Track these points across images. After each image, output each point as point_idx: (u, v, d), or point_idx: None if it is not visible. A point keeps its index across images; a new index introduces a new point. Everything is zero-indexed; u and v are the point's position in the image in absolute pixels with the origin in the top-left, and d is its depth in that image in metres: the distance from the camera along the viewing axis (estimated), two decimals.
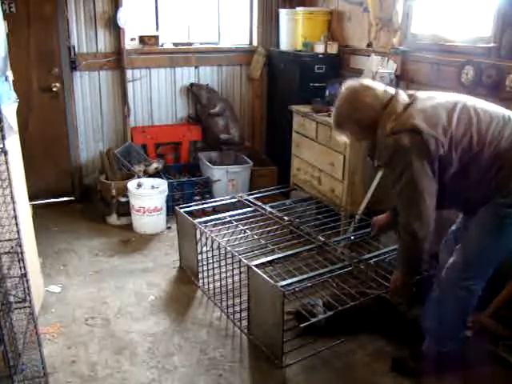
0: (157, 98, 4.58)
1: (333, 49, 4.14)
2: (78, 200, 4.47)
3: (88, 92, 4.34)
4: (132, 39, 4.38)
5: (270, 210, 3.31)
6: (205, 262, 3.09)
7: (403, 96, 2.09)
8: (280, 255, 2.78)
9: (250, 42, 4.89)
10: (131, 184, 3.89)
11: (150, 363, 2.45)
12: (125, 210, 3.98)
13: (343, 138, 2.25)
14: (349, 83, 2.15)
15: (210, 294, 3.02)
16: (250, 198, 3.53)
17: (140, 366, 2.43)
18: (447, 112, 2.00)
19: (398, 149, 1.97)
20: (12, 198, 1.83)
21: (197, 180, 4.33)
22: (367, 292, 2.62)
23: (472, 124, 2.00)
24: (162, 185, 3.96)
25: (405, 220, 2.06)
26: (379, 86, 2.13)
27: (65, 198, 4.46)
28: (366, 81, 2.20)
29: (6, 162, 1.79)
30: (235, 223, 3.18)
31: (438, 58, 3.13)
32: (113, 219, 4.05)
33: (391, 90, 2.12)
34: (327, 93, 3.85)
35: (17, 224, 1.88)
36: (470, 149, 1.98)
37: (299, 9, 4.35)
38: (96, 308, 2.90)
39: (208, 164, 4.36)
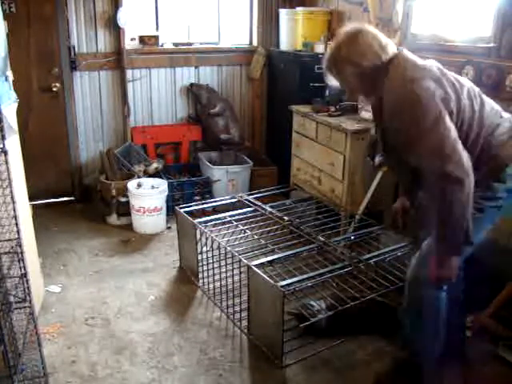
0: (157, 97, 4.59)
1: None
2: (78, 200, 4.47)
3: (88, 92, 4.34)
4: (132, 39, 4.38)
5: (269, 210, 3.31)
6: (205, 262, 3.09)
7: (410, 53, 1.97)
8: (280, 255, 2.78)
9: (250, 42, 4.89)
10: (131, 184, 3.89)
11: (150, 363, 2.45)
12: (125, 210, 3.98)
13: (333, 82, 2.02)
14: (351, 25, 1.96)
15: (210, 294, 3.02)
16: (250, 197, 3.53)
17: (140, 366, 2.43)
18: (458, 82, 1.92)
19: (421, 94, 1.76)
20: (12, 198, 1.83)
21: (197, 180, 4.33)
22: (368, 293, 2.62)
23: (477, 103, 1.93)
24: (162, 185, 3.96)
25: (437, 167, 1.74)
26: (384, 37, 1.93)
27: (65, 198, 4.46)
28: (371, 27, 1.97)
29: (6, 162, 1.79)
30: (235, 223, 3.18)
31: (438, 57, 3.08)
32: (113, 219, 4.05)
33: (394, 46, 1.95)
34: (327, 93, 3.86)
35: (17, 224, 1.88)
36: (470, 126, 1.88)
37: (299, 9, 4.35)
38: (96, 308, 2.90)
39: (208, 164, 4.36)
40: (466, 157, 1.75)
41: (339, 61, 1.91)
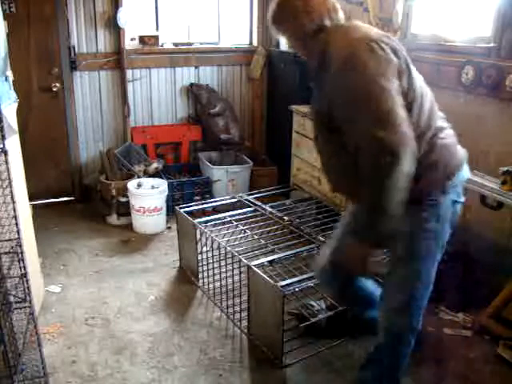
0: (157, 97, 4.59)
1: None
2: (78, 200, 4.47)
3: (88, 92, 4.34)
4: (132, 39, 4.38)
5: (270, 210, 3.31)
6: (205, 262, 3.09)
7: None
8: (280, 255, 2.77)
9: (250, 42, 4.89)
10: (131, 184, 3.89)
11: (150, 363, 2.45)
12: (125, 209, 3.98)
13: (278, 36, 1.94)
14: None
15: (210, 294, 3.02)
16: (250, 197, 3.53)
17: (140, 366, 2.43)
18: (413, 70, 1.76)
19: (376, 51, 1.58)
20: (12, 198, 1.83)
21: (197, 180, 4.33)
22: None
23: (428, 99, 1.74)
24: (162, 185, 3.96)
25: (378, 136, 1.49)
26: (330, 3, 1.78)
27: (65, 198, 4.47)
28: None
29: (6, 162, 1.79)
30: (235, 223, 3.18)
31: (438, 57, 3.12)
32: (113, 219, 4.05)
33: (342, 16, 1.82)
34: None
35: (17, 224, 1.88)
36: (417, 122, 1.66)
37: None
38: (96, 308, 2.90)
39: (208, 164, 4.36)
40: (413, 139, 1.53)
41: (272, 20, 1.85)
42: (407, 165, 1.50)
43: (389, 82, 1.54)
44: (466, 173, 1.82)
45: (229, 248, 2.81)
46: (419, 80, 1.74)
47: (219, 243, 2.89)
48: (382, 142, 1.48)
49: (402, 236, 1.76)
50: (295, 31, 1.79)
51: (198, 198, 4.21)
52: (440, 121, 1.77)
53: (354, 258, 1.72)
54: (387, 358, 1.96)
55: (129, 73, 4.39)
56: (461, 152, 1.81)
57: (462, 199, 1.82)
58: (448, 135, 1.76)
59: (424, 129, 1.67)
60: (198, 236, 3.03)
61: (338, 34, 1.70)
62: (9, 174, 1.81)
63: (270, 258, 2.76)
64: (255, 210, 3.35)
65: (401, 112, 1.53)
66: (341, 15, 1.80)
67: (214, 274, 3.03)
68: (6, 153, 1.77)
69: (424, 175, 1.66)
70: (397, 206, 1.55)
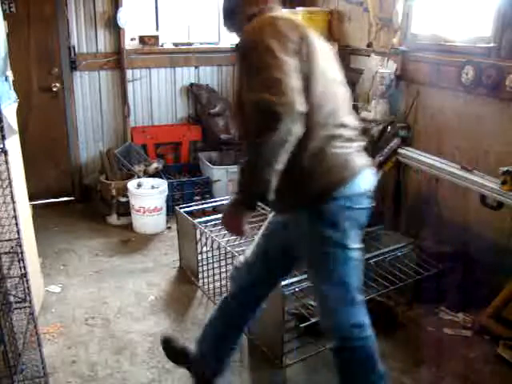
0: (157, 97, 4.59)
1: (333, 49, 4.13)
2: (78, 200, 4.47)
3: (88, 92, 4.34)
4: (132, 39, 4.38)
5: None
6: (205, 262, 3.09)
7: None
8: None
9: None
10: (131, 184, 3.89)
11: (150, 363, 2.45)
12: (125, 209, 3.98)
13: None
14: None
15: (210, 294, 3.02)
16: None
17: (140, 366, 2.43)
18: (329, 58, 1.81)
19: (273, 25, 1.62)
20: (12, 198, 1.83)
21: (197, 180, 4.33)
22: (367, 292, 2.62)
23: (335, 102, 1.71)
24: (162, 185, 3.96)
25: (262, 99, 1.49)
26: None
27: (65, 198, 4.47)
28: None
29: (6, 162, 1.79)
30: None
31: (438, 57, 3.12)
32: (113, 219, 4.05)
33: (278, 8, 1.82)
34: None
35: (17, 224, 1.88)
36: (312, 118, 1.61)
37: (299, 9, 4.34)
38: (96, 308, 2.90)
39: (208, 164, 4.36)
40: (301, 109, 1.51)
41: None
42: (288, 130, 1.49)
43: (284, 56, 1.55)
44: (363, 184, 1.73)
45: (229, 248, 2.82)
46: (328, 79, 1.71)
47: (219, 243, 2.89)
48: (268, 105, 1.47)
49: (305, 246, 1.78)
50: (236, 25, 1.87)
51: (198, 198, 4.21)
52: (344, 129, 1.70)
53: (226, 218, 1.71)
54: (348, 360, 1.83)
55: (129, 73, 4.38)
56: (356, 163, 1.71)
57: (363, 205, 1.75)
58: (346, 146, 1.69)
59: (316, 126, 1.63)
60: (198, 236, 3.03)
61: (256, 19, 1.72)
62: (9, 174, 1.81)
63: None
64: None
65: (293, 82, 1.52)
66: (273, 5, 1.81)
67: (214, 274, 3.03)
68: (6, 153, 1.77)
69: (307, 183, 1.65)
70: (270, 171, 1.53)
